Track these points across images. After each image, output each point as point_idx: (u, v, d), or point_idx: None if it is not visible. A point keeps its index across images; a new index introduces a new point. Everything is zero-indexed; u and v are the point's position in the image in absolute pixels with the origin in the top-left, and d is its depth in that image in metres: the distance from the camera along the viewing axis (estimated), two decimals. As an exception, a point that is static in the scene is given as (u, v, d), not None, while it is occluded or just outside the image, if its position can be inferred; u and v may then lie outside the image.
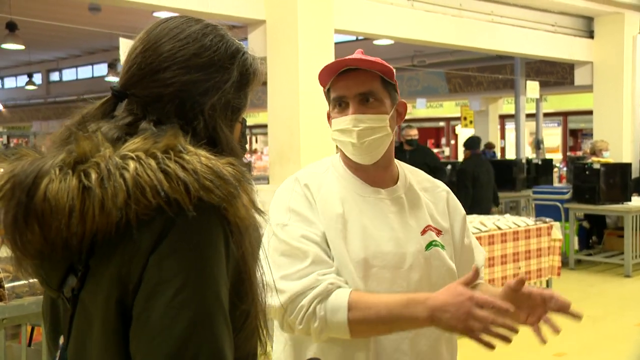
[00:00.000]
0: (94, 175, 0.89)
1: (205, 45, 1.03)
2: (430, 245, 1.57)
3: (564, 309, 1.48)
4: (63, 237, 0.90)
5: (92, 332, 0.93)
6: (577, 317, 1.48)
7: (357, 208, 1.54)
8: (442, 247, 1.59)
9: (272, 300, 1.43)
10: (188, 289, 0.88)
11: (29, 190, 0.90)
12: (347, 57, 1.54)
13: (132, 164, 0.90)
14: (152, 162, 0.91)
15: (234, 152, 1.04)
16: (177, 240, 0.90)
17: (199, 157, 0.93)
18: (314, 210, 1.52)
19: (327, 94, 1.60)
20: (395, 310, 1.37)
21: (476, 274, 1.38)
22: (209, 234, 0.92)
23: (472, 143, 8.03)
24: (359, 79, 1.53)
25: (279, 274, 1.45)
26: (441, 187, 1.70)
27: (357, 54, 1.56)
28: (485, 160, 8.40)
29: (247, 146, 23.05)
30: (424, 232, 1.58)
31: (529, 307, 1.48)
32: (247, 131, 23.63)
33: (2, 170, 0.95)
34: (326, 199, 1.53)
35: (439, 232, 1.61)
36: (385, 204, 1.57)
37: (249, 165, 13.37)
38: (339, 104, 1.56)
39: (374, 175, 1.59)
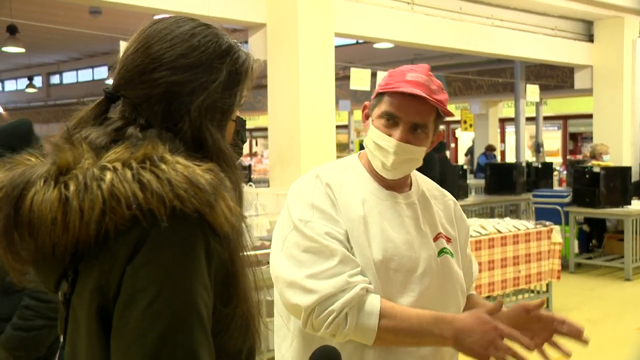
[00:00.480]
0: (72, 187, 0.91)
1: (193, 46, 1.04)
2: (441, 252, 1.59)
3: (575, 334, 1.51)
4: (50, 245, 0.93)
5: (79, 336, 0.97)
6: (585, 342, 1.52)
7: (376, 210, 1.54)
8: (452, 254, 1.62)
9: (298, 299, 1.42)
10: (162, 298, 0.90)
11: (16, 202, 0.93)
12: (420, 84, 1.49)
13: (108, 175, 0.92)
14: (128, 173, 0.92)
15: (223, 153, 1.05)
16: (152, 251, 0.91)
17: (175, 166, 0.94)
18: (336, 209, 1.51)
19: (379, 95, 1.56)
20: (426, 325, 1.43)
21: (499, 306, 1.45)
22: (185, 243, 0.93)
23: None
24: (419, 107, 1.51)
25: (304, 272, 1.43)
26: (448, 196, 1.72)
27: (424, 76, 1.51)
28: (439, 163, 8.60)
29: (248, 149, 23.02)
30: (435, 238, 1.59)
31: (536, 329, 1.51)
32: (247, 134, 23.62)
33: None
34: (347, 200, 1.53)
35: (448, 240, 1.62)
36: (401, 207, 1.58)
37: (249, 168, 13.35)
38: (388, 119, 1.54)
39: (392, 182, 1.60)
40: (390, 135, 1.52)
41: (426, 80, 1.52)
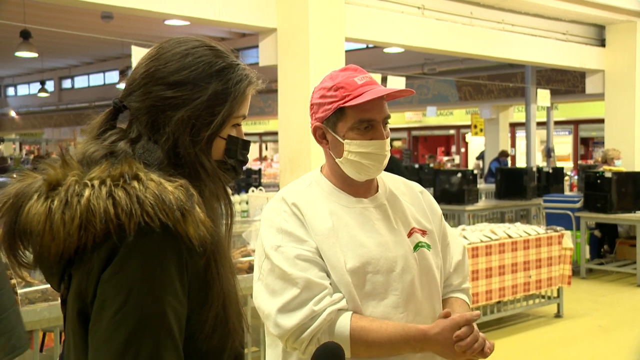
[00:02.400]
0: (56, 202, 1.02)
1: (184, 65, 1.14)
2: (417, 246, 1.62)
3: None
4: (43, 251, 1.04)
5: (70, 333, 1.09)
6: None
7: (345, 219, 1.58)
8: (429, 246, 1.65)
9: (274, 331, 1.51)
10: (128, 306, 0.99)
11: (17, 213, 1.05)
12: (372, 81, 1.58)
13: (87, 192, 1.02)
14: (104, 190, 1.02)
15: (202, 166, 1.13)
16: (122, 262, 1.01)
17: (147, 184, 1.03)
18: (304, 227, 1.55)
19: (339, 110, 1.57)
20: (397, 344, 1.52)
21: (444, 315, 1.55)
22: (152, 256, 1.02)
23: None
24: (382, 102, 1.58)
25: (277, 303, 1.50)
26: (416, 188, 1.75)
27: (366, 74, 1.59)
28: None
29: (258, 153, 23.05)
30: (410, 234, 1.63)
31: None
32: (257, 138, 23.65)
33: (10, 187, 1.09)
34: (315, 214, 1.57)
35: (424, 233, 1.66)
36: (370, 212, 1.61)
37: (259, 172, 13.35)
38: (365, 127, 1.56)
39: (361, 188, 1.63)
40: (372, 139, 1.56)
41: (370, 76, 1.60)
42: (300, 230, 1.55)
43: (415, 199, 1.71)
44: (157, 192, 1.02)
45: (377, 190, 1.66)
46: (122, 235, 1.00)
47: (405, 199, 1.69)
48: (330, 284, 1.52)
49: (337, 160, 1.60)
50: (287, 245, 1.53)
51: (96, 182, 1.03)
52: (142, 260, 1.01)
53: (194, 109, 1.12)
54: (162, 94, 1.12)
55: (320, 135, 1.63)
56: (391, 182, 1.71)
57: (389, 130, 1.62)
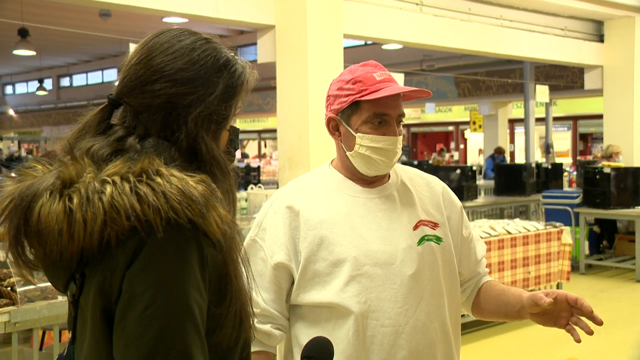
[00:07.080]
0: (75, 200, 0.99)
1: (192, 60, 1.11)
2: (422, 240, 1.61)
3: (586, 314, 1.57)
4: (58, 252, 1.00)
5: (86, 334, 1.06)
6: (598, 322, 1.55)
7: (345, 209, 1.59)
8: (438, 240, 1.63)
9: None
10: (158, 302, 0.98)
11: (26, 213, 1.01)
12: (391, 79, 1.59)
13: (108, 189, 1.00)
14: (126, 186, 1.00)
15: (217, 161, 1.12)
16: (149, 258, 0.99)
17: (170, 179, 1.02)
18: (286, 231, 1.57)
19: (355, 104, 1.57)
20: None
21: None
22: (179, 251, 1.01)
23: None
24: (398, 100, 1.59)
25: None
26: (434, 182, 1.75)
27: (385, 71, 1.60)
28: None
29: (257, 150, 23.11)
30: (416, 227, 1.61)
31: (556, 311, 1.58)
32: (256, 135, 23.69)
33: (8, 188, 1.05)
34: (311, 209, 1.58)
35: (435, 225, 1.64)
36: (374, 203, 1.61)
37: (258, 170, 13.36)
38: (379, 122, 1.57)
39: (369, 179, 1.64)
40: (384, 135, 1.57)
41: (389, 74, 1.61)
42: (278, 233, 1.57)
43: (431, 192, 1.70)
44: (181, 187, 1.01)
45: (388, 180, 1.66)
46: (150, 232, 0.98)
47: (418, 191, 1.68)
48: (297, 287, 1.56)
49: (347, 153, 1.61)
50: (259, 243, 1.59)
51: (117, 179, 1.00)
52: (169, 255, 1.00)
53: (209, 104, 1.10)
54: (173, 90, 1.08)
55: (333, 127, 1.64)
56: (406, 173, 1.71)
57: (401, 129, 1.63)
